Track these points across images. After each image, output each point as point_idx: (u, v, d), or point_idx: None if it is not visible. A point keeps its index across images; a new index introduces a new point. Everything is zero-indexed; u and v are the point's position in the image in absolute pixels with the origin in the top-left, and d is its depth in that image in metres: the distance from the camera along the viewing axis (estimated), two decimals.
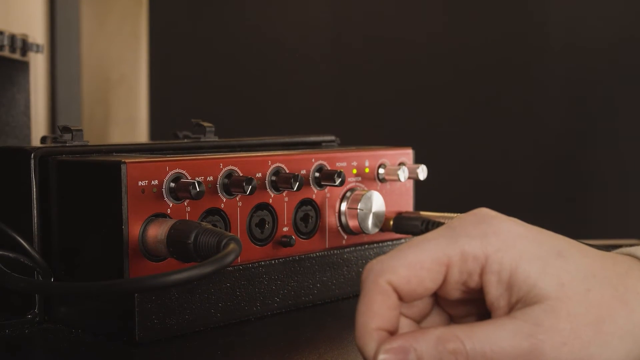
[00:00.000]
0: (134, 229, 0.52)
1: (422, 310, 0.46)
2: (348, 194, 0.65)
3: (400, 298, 0.43)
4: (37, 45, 0.83)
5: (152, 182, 0.53)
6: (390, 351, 0.42)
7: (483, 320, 0.43)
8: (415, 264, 0.43)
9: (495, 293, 0.43)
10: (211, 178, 0.56)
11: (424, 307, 0.46)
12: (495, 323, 0.42)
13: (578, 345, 0.42)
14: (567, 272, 0.43)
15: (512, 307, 0.43)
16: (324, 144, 0.73)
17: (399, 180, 0.67)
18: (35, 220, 0.56)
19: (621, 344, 0.44)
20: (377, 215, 0.65)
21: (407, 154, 0.70)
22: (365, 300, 0.43)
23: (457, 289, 0.44)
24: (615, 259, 0.46)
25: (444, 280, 0.43)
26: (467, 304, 0.45)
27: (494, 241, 0.43)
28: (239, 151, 0.63)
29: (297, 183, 0.58)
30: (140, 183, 0.52)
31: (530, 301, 0.42)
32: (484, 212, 0.45)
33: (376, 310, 0.43)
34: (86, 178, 0.54)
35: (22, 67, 0.82)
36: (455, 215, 0.66)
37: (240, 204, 0.58)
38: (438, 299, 0.46)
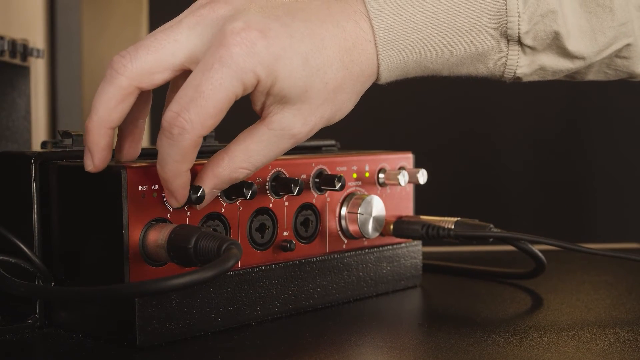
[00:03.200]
0: (134, 234, 0.52)
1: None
2: (348, 198, 0.65)
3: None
4: (38, 50, 0.83)
5: (153, 187, 0.53)
6: (199, 199, 0.52)
7: (248, 135, 0.53)
8: (219, 113, 0.50)
9: (257, 98, 0.52)
10: None
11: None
12: (261, 139, 0.52)
13: (321, 122, 0.54)
14: (309, 77, 0.52)
15: (267, 105, 0.52)
16: (324, 148, 0.73)
17: (399, 184, 0.67)
18: (35, 225, 0.56)
19: (349, 99, 0.55)
20: (377, 220, 0.65)
21: (407, 159, 0.70)
22: (183, 153, 0.51)
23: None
24: (344, 31, 0.54)
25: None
26: None
27: (260, 69, 0.50)
28: None
29: (298, 188, 0.58)
30: (140, 188, 0.52)
31: (282, 102, 0.52)
32: (243, 35, 0.50)
33: (192, 159, 0.51)
34: (86, 183, 0.54)
35: (23, 72, 0.82)
36: (456, 219, 0.66)
37: (240, 208, 0.58)
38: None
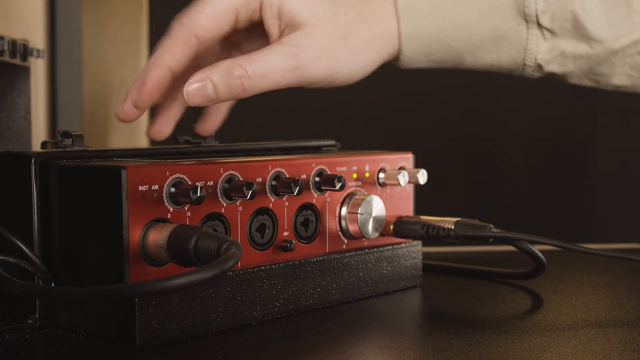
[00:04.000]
0: (134, 234, 0.52)
1: (218, 57, 0.60)
2: (348, 198, 0.65)
3: (201, 44, 0.56)
4: (38, 50, 0.83)
5: (153, 187, 0.53)
6: (192, 82, 0.53)
7: (259, 50, 0.55)
8: (213, 14, 0.55)
9: (269, 22, 0.56)
10: (211, 183, 0.56)
11: (219, 54, 0.60)
12: (269, 49, 0.55)
13: (330, 57, 0.56)
14: (319, 3, 0.55)
15: (282, 33, 0.56)
16: (324, 148, 0.73)
17: (399, 184, 0.67)
18: (35, 225, 0.56)
19: (362, 52, 0.57)
20: (377, 220, 0.65)
21: (407, 159, 0.70)
22: (169, 42, 0.55)
23: (245, 26, 0.57)
24: None
25: (236, 20, 0.56)
26: (254, 39, 0.59)
27: None
28: (239, 156, 0.63)
29: (298, 188, 0.58)
30: (140, 188, 0.52)
31: (294, 28, 0.55)
32: None
33: (174, 53, 0.55)
34: (87, 183, 0.54)
35: (23, 72, 0.82)
36: (456, 219, 0.66)
37: (240, 208, 0.58)
38: (229, 47, 0.59)
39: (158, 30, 1.23)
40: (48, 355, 0.53)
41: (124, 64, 1.21)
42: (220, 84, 0.54)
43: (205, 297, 0.56)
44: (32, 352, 0.53)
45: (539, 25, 0.58)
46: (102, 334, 0.55)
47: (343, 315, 0.62)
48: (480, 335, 0.57)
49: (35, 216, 0.56)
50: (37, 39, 1.00)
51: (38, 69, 0.89)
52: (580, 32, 0.58)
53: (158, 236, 0.52)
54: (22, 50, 0.80)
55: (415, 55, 0.59)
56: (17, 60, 0.80)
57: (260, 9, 0.56)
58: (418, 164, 0.70)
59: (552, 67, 0.60)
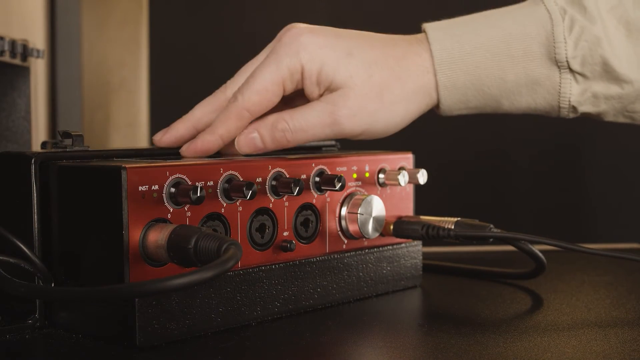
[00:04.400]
0: (134, 234, 0.52)
1: None
2: (348, 198, 0.65)
3: (255, 116, 0.61)
4: (38, 51, 0.83)
5: (153, 187, 0.53)
6: (243, 135, 0.61)
7: (302, 106, 0.61)
8: (263, 90, 0.60)
9: (309, 90, 0.61)
10: (211, 183, 0.56)
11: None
12: (309, 106, 0.61)
13: (365, 114, 0.61)
14: (354, 66, 0.61)
15: (321, 96, 0.61)
16: (324, 148, 0.73)
17: (399, 184, 0.67)
18: (35, 225, 0.56)
19: (398, 106, 0.62)
20: (377, 220, 0.65)
21: (407, 159, 0.70)
22: (225, 117, 0.60)
23: (291, 92, 0.62)
24: (396, 45, 0.63)
25: (284, 91, 0.61)
26: (301, 98, 0.63)
27: (304, 55, 0.60)
28: (239, 156, 0.63)
29: (298, 188, 0.58)
30: (140, 188, 0.52)
31: (332, 90, 0.61)
32: (293, 32, 0.61)
33: (228, 127, 0.60)
34: (86, 183, 0.54)
35: (23, 73, 0.82)
36: (456, 219, 0.66)
37: (240, 208, 0.58)
38: (283, 103, 0.63)
39: (157, 30, 1.24)
40: (48, 355, 0.53)
41: (124, 63, 1.21)
42: (267, 136, 0.61)
43: (205, 297, 0.56)
44: (32, 352, 0.53)
45: (571, 70, 0.61)
46: (102, 334, 0.55)
47: (343, 315, 0.62)
48: (480, 335, 0.57)
49: (35, 216, 0.56)
50: (37, 39, 1.00)
51: (38, 69, 0.89)
52: (610, 74, 0.61)
53: (158, 236, 0.52)
54: (22, 51, 0.80)
55: (453, 104, 0.63)
56: (17, 61, 0.80)
57: (302, 78, 0.61)
58: (418, 164, 0.70)
59: (586, 108, 0.63)
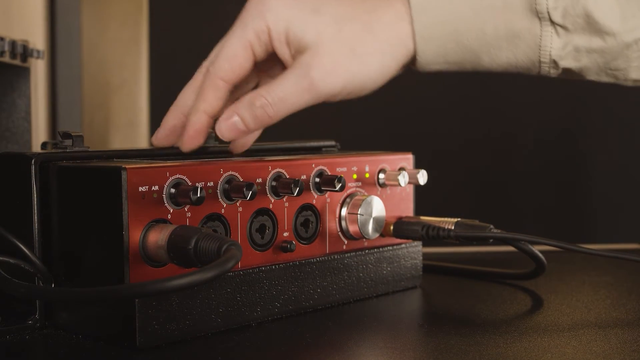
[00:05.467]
0: (134, 235, 0.52)
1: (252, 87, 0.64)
2: (348, 199, 0.65)
3: (230, 83, 0.60)
4: (38, 51, 0.83)
5: (153, 188, 0.53)
6: (222, 120, 0.59)
7: (276, 78, 0.59)
8: (232, 57, 0.59)
9: (280, 51, 0.60)
10: (211, 183, 0.56)
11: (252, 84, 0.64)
12: (283, 75, 0.59)
13: (340, 70, 0.58)
14: (321, 22, 0.58)
15: (294, 57, 0.59)
16: (324, 149, 0.73)
17: (399, 185, 0.67)
18: (35, 225, 0.56)
19: (373, 58, 0.59)
20: (377, 220, 0.65)
21: (407, 159, 0.70)
22: (201, 92, 0.60)
23: (264, 57, 0.60)
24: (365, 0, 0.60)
25: (254, 55, 0.60)
26: (278, 65, 0.62)
27: (269, 16, 0.59)
28: (239, 156, 0.63)
29: (298, 188, 0.58)
30: (140, 189, 0.52)
31: (302, 51, 0.58)
32: None
33: (207, 99, 0.59)
34: (87, 184, 0.54)
35: (23, 73, 0.82)
36: (456, 219, 0.66)
37: (240, 209, 0.58)
38: (262, 73, 0.63)
39: (157, 31, 1.24)
40: (48, 355, 0.53)
41: (124, 64, 1.21)
42: (247, 116, 0.58)
43: (206, 298, 0.56)
44: (32, 352, 0.53)
45: (552, 22, 0.59)
46: (102, 335, 0.55)
47: (343, 316, 0.62)
48: (480, 335, 0.57)
49: (36, 217, 0.56)
50: (37, 39, 1.00)
51: (38, 69, 0.89)
52: (592, 26, 0.59)
53: (158, 237, 0.52)
54: (22, 51, 0.80)
55: (432, 57, 0.60)
56: (17, 61, 0.80)
57: (270, 40, 0.59)
58: (418, 165, 0.70)
59: (567, 63, 0.60)
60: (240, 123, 0.59)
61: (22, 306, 0.57)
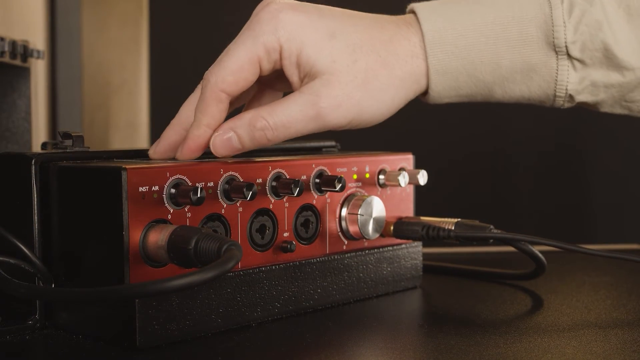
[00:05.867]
0: (134, 235, 0.52)
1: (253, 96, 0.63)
2: (348, 199, 0.65)
3: (233, 96, 0.57)
4: (38, 51, 0.83)
5: (153, 188, 0.53)
6: (217, 136, 0.56)
7: (280, 99, 0.57)
8: (237, 70, 0.56)
9: (289, 72, 0.57)
10: (212, 184, 0.56)
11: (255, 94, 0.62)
12: (289, 99, 0.56)
13: (350, 103, 0.56)
14: (336, 50, 0.56)
15: (302, 80, 0.57)
16: (324, 149, 0.73)
17: (399, 185, 0.67)
18: (35, 226, 0.56)
19: (385, 94, 0.57)
20: (377, 221, 0.65)
21: (407, 159, 0.70)
22: (204, 105, 0.57)
23: (270, 73, 0.58)
24: (383, 28, 0.58)
25: (260, 70, 0.57)
26: (282, 80, 0.60)
27: (282, 33, 0.56)
28: (239, 157, 0.63)
29: (298, 189, 0.58)
30: (140, 189, 0.52)
31: (313, 76, 0.56)
32: (272, 7, 0.57)
33: (210, 113, 0.56)
34: (87, 184, 0.54)
35: (23, 73, 0.82)
36: (456, 220, 0.66)
37: (240, 209, 0.58)
38: (263, 85, 0.61)
39: (158, 31, 1.24)
40: (48, 356, 0.53)
41: (124, 64, 1.21)
42: (245, 137, 0.56)
43: (206, 298, 0.56)
44: (33, 353, 0.53)
45: (569, 56, 0.58)
46: (102, 335, 0.55)
47: (343, 316, 0.62)
48: (481, 336, 0.57)
49: (36, 217, 0.56)
50: (38, 40, 1.00)
51: (38, 70, 0.89)
52: (611, 61, 0.58)
53: (158, 237, 0.52)
54: (23, 51, 0.80)
55: (444, 90, 0.59)
56: (17, 61, 0.80)
57: (280, 58, 0.57)
58: (418, 165, 0.70)
59: (584, 97, 0.60)
60: (237, 141, 0.57)
61: (22, 306, 0.57)
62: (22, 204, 0.56)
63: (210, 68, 0.57)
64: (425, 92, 0.60)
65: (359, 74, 0.56)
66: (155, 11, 1.22)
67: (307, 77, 0.57)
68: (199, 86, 0.60)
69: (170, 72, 1.28)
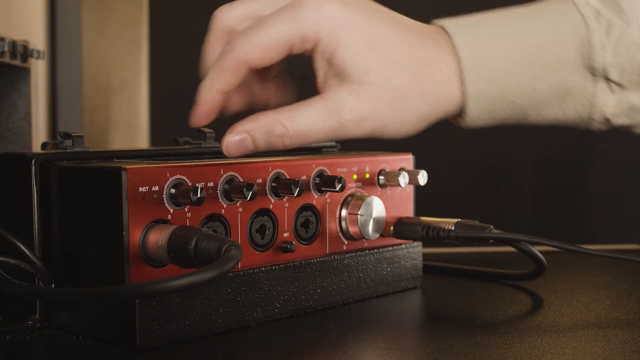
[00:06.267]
0: (134, 235, 0.52)
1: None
2: (348, 199, 0.65)
3: (252, 69, 0.55)
4: (38, 52, 0.83)
5: (153, 188, 0.53)
6: (232, 136, 0.54)
7: (301, 102, 0.55)
8: (267, 47, 0.53)
9: (318, 64, 0.55)
10: (212, 184, 0.56)
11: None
12: (311, 105, 0.54)
13: (374, 119, 0.54)
14: (373, 61, 0.54)
15: (327, 78, 0.55)
16: (324, 149, 0.73)
17: (399, 185, 0.67)
18: (36, 226, 0.56)
19: (411, 117, 0.55)
20: (377, 221, 0.65)
21: (407, 160, 0.70)
22: (220, 69, 0.54)
23: (295, 56, 0.55)
24: (425, 46, 0.56)
25: (288, 54, 0.54)
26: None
27: (323, 27, 0.53)
28: (239, 157, 0.63)
29: (298, 189, 0.58)
30: (140, 189, 0.52)
31: (341, 80, 0.54)
32: None
33: (225, 79, 0.54)
34: (87, 184, 0.54)
35: (23, 73, 0.82)
36: (456, 220, 0.66)
37: (240, 209, 0.58)
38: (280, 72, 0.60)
39: (158, 31, 1.24)
40: (48, 356, 0.53)
41: (124, 65, 1.21)
42: (260, 140, 0.54)
43: (206, 298, 0.56)
44: (33, 353, 0.53)
45: (607, 79, 0.56)
46: (102, 335, 0.55)
47: (343, 316, 0.62)
48: (481, 336, 0.57)
49: (36, 217, 0.56)
50: (38, 40, 1.00)
51: (38, 70, 0.89)
52: None
53: (158, 237, 0.52)
54: (23, 52, 0.80)
55: (479, 115, 0.57)
56: (17, 62, 0.80)
57: (313, 49, 0.54)
58: (418, 165, 0.70)
59: (621, 120, 0.58)
60: (251, 144, 0.55)
61: (22, 306, 0.57)
62: (22, 204, 0.56)
63: (242, 33, 0.54)
64: (458, 115, 0.58)
65: (390, 91, 0.54)
66: (155, 11, 1.22)
67: (336, 76, 0.55)
68: (212, 29, 0.59)
69: (170, 72, 1.28)
